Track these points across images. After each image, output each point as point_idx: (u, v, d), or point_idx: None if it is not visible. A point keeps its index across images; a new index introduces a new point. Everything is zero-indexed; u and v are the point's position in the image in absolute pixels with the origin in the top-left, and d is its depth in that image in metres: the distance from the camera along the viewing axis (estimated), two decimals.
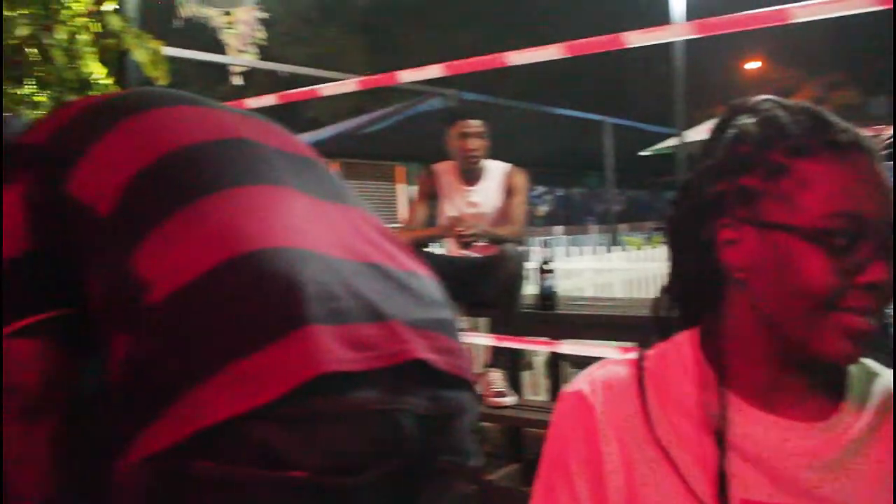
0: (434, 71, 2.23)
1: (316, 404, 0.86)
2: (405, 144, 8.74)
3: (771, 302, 0.86)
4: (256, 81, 9.48)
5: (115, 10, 2.94)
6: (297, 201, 1.03)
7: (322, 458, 0.86)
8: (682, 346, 0.95)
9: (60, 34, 2.72)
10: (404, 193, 11.50)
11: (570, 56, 1.90)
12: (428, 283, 1.07)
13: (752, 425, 0.88)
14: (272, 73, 9.64)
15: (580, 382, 0.97)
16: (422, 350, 0.95)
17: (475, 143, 3.82)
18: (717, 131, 0.94)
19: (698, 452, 0.87)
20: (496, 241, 3.74)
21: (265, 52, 8.55)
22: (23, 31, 2.72)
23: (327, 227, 1.02)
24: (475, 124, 3.83)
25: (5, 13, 2.82)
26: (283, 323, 0.88)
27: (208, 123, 1.13)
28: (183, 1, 6.42)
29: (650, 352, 0.97)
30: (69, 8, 2.96)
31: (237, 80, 8.14)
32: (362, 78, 3.16)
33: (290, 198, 1.03)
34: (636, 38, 1.87)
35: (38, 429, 1.08)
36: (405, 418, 0.93)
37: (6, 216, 1.10)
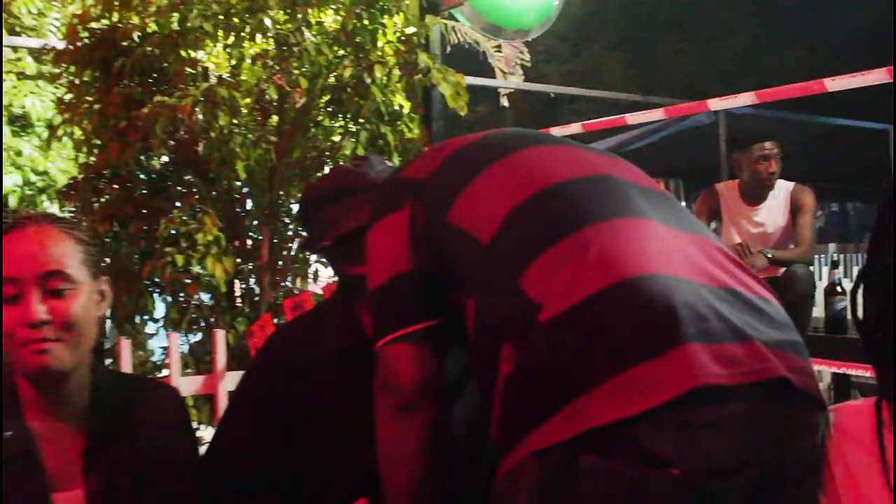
0: (745, 98, 2.22)
1: (692, 413, 0.95)
2: (669, 160, 8.58)
3: None
4: (514, 101, 9.78)
5: (424, 48, 3.22)
6: (659, 232, 1.12)
7: (695, 461, 0.95)
8: None
9: (379, 73, 3.03)
10: None
11: None
12: (777, 307, 1.12)
13: None
14: (529, 92, 9.91)
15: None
16: (782, 369, 1.00)
17: (774, 166, 3.71)
18: None
19: None
20: (783, 263, 3.62)
21: (526, 72, 8.81)
22: (347, 71, 3.06)
23: (686, 255, 1.10)
24: (772, 146, 3.72)
25: (328, 56, 3.19)
26: (664, 340, 0.98)
27: (573, 161, 1.25)
28: (452, 28, 6.80)
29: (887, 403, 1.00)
30: (381, 48, 3.28)
31: (504, 102, 8.46)
32: (670, 106, 3.21)
33: (653, 229, 1.12)
34: None
35: (410, 423, 1.24)
36: (767, 432, 0.99)
37: (393, 238, 1.29)
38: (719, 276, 1.08)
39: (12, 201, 7.11)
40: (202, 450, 1.58)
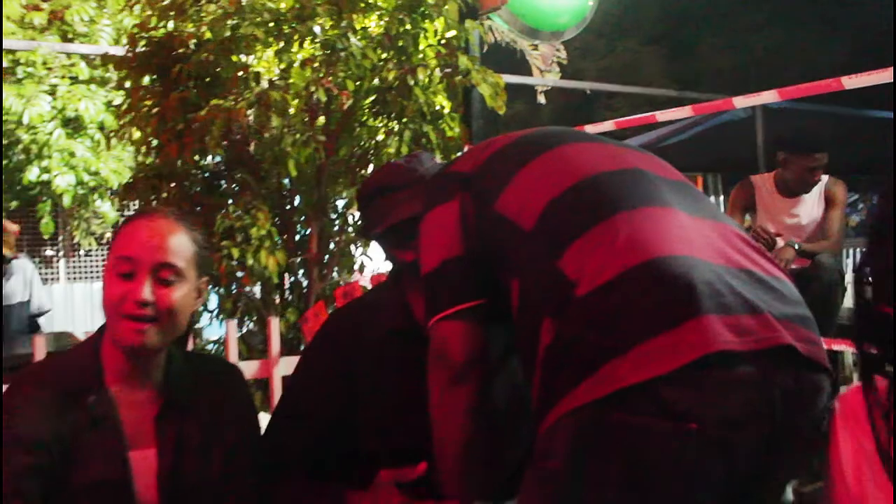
0: (768, 96, 2.33)
1: (709, 374, 1.09)
2: (707, 155, 8.59)
3: None
4: (551, 98, 9.84)
5: (464, 50, 3.37)
6: (682, 219, 1.26)
7: (710, 415, 1.09)
8: None
9: (421, 75, 3.19)
10: None
11: None
12: (789, 285, 1.25)
13: None
14: (566, 89, 9.94)
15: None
16: (789, 338, 1.14)
17: (819, 175, 3.79)
18: None
19: None
20: (810, 255, 3.70)
21: (562, 69, 8.87)
22: (390, 74, 3.22)
23: (706, 239, 1.24)
24: (821, 157, 3.75)
25: (372, 59, 3.35)
26: (684, 312, 1.11)
27: (606, 156, 1.39)
28: (489, 27, 6.93)
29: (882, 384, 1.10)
30: (423, 51, 3.44)
31: (541, 99, 8.56)
32: (697, 104, 3.32)
33: (677, 216, 1.26)
34: None
35: (460, 393, 1.36)
36: (776, 392, 1.12)
37: (445, 226, 1.41)
38: (735, 258, 1.22)
39: (66, 200, 7.38)
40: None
